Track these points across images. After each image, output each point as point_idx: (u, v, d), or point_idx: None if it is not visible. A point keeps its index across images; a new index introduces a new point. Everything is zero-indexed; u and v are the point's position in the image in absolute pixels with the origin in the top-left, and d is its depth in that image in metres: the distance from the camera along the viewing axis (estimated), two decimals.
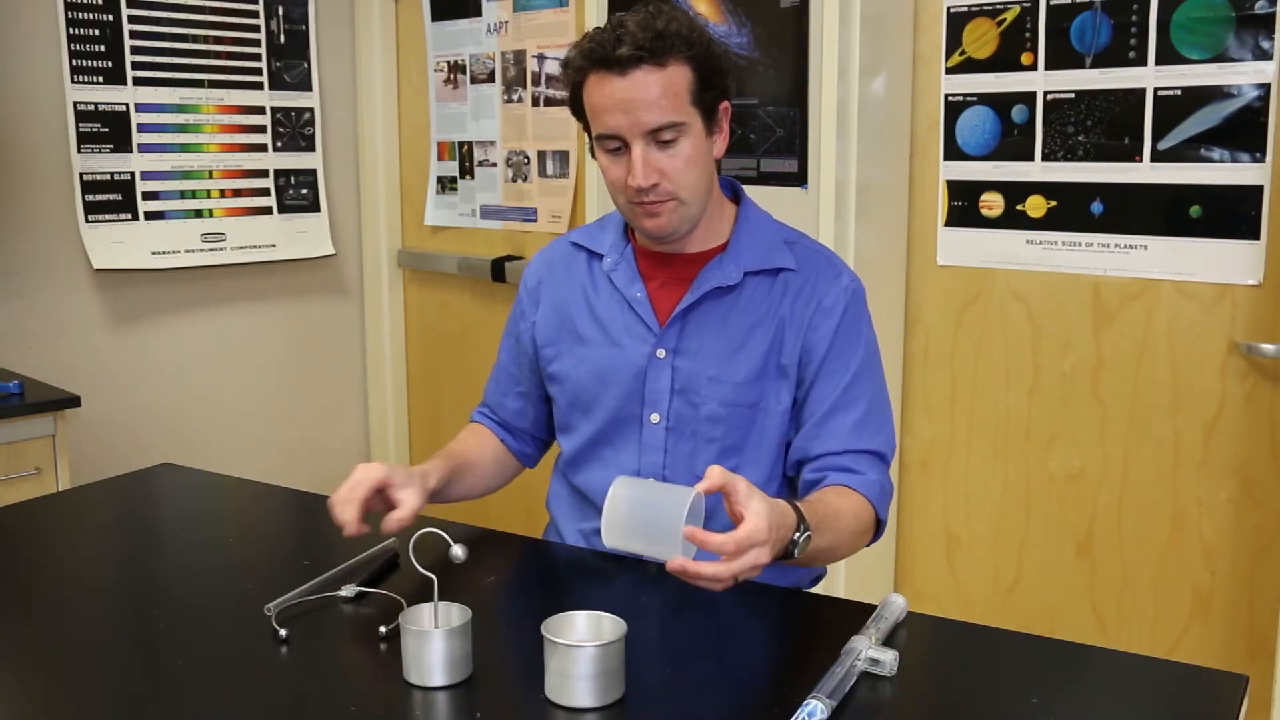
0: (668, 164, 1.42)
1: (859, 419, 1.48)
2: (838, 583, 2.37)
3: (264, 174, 3.17)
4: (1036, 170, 2.32)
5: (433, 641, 1.11)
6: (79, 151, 2.80)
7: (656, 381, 1.51)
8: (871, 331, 1.54)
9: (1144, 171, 2.20)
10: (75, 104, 2.79)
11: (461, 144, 3.22)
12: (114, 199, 2.87)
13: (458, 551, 1.20)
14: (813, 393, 1.49)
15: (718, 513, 1.51)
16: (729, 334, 1.50)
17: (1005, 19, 2.32)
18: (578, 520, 1.61)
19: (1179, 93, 2.14)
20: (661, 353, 1.51)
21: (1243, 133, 2.09)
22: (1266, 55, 2.05)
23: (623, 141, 1.42)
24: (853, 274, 1.54)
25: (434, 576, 1.16)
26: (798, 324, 1.49)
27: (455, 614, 1.15)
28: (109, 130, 2.85)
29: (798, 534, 1.24)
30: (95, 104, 2.83)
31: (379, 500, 1.40)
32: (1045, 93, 2.29)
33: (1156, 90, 2.16)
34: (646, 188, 1.42)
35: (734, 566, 1.14)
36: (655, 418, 1.51)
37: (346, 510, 1.36)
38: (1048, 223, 2.33)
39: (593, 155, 1.49)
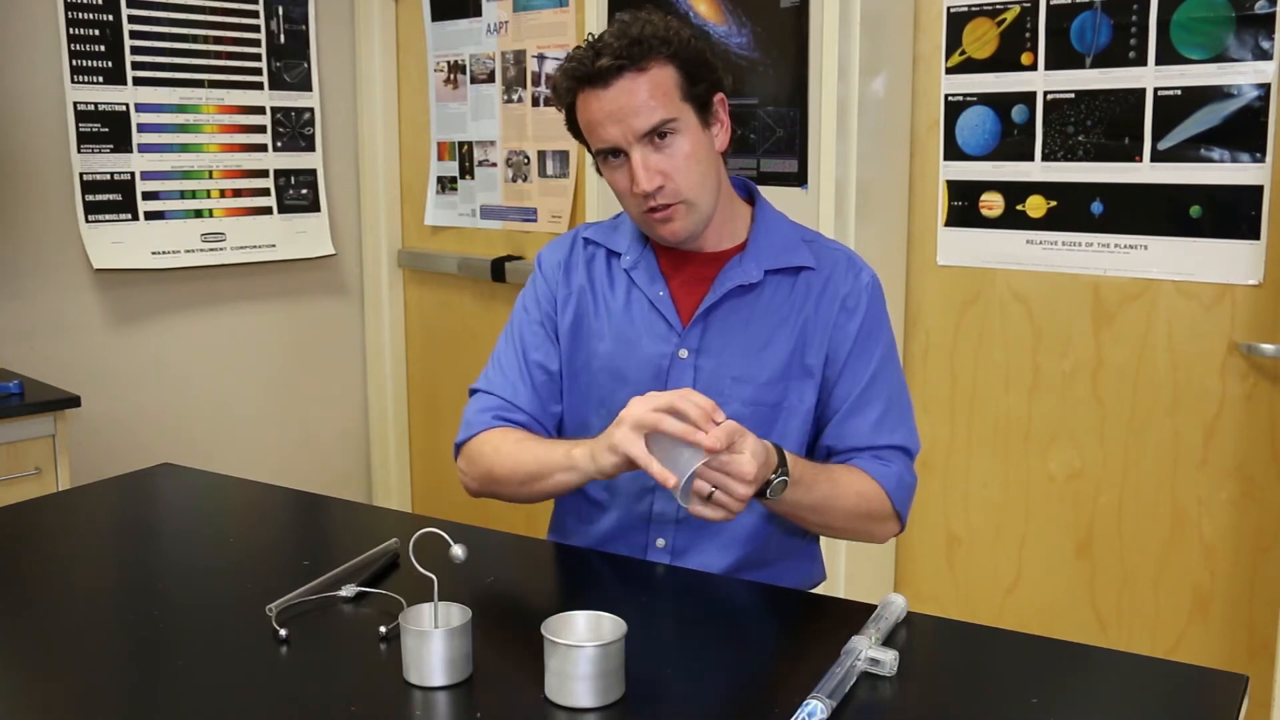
0: (668, 164, 1.42)
1: (879, 416, 1.51)
2: (838, 583, 2.37)
3: (264, 174, 3.17)
4: (1036, 170, 2.32)
5: (433, 641, 1.11)
6: (79, 151, 2.80)
7: (679, 382, 1.50)
8: (890, 327, 1.56)
9: (1144, 171, 2.20)
10: (75, 104, 2.79)
11: (461, 144, 3.22)
12: (114, 199, 2.87)
13: (458, 551, 1.20)
14: (836, 391, 1.51)
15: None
16: (752, 334, 1.50)
17: (1005, 19, 2.32)
18: (582, 525, 1.60)
19: (1179, 93, 2.14)
20: (684, 353, 1.50)
21: (1243, 133, 2.09)
22: (1266, 55, 2.05)
23: (621, 152, 1.43)
24: (871, 270, 1.55)
25: (434, 576, 1.16)
26: (823, 324, 1.50)
27: (455, 614, 1.15)
28: (109, 130, 2.85)
29: (774, 475, 1.32)
30: (95, 104, 2.83)
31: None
32: (1045, 93, 2.29)
33: (1156, 90, 2.16)
34: (652, 191, 1.42)
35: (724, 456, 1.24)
36: None
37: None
38: (1048, 223, 2.33)
39: (599, 173, 1.50)
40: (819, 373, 1.51)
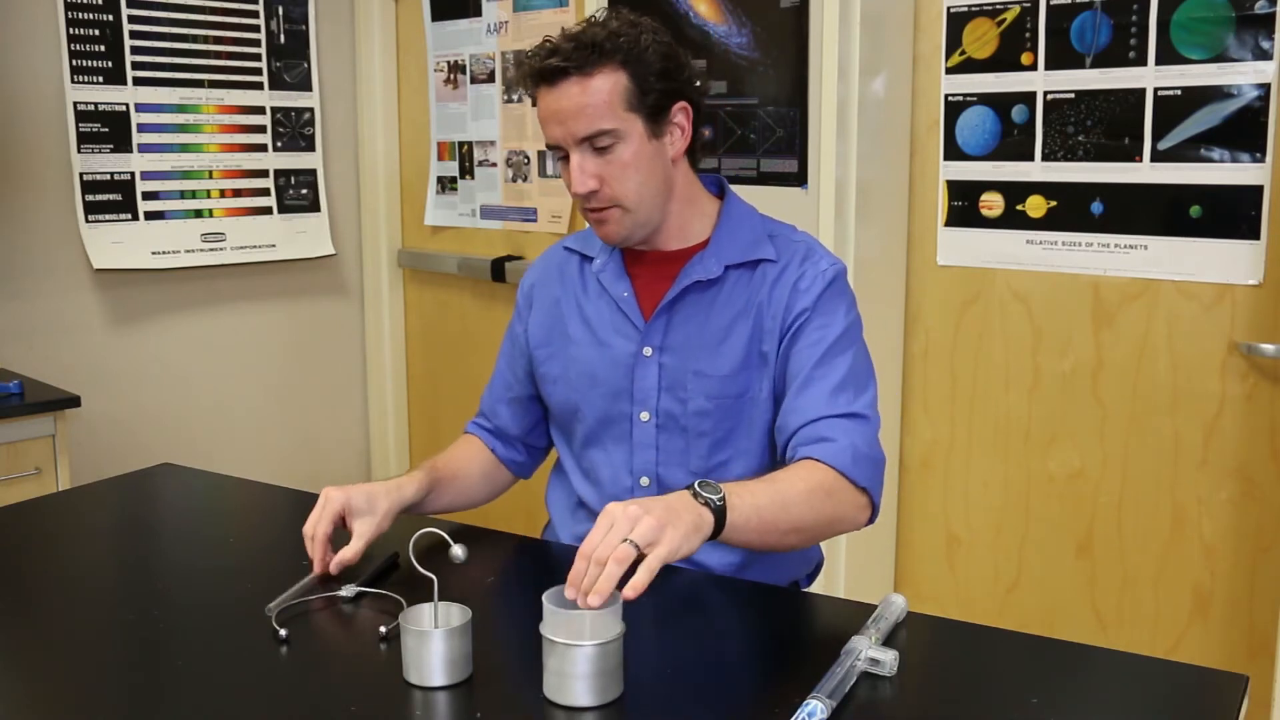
0: (605, 170, 1.44)
1: (837, 384, 1.42)
2: (838, 583, 2.37)
3: (264, 174, 3.17)
4: (1036, 170, 2.32)
5: (433, 641, 1.11)
6: (79, 151, 2.80)
7: (644, 379, 1.51)
8: (854, 311, 1.50)
9: (1144, 171, 2.20)
10: (75, 104, 2.79)
11: (461, 144, 3.22)
12: (114, 199, 2.87)
13: (458, 551, 1.20)
14: (790, 365, 1.46)
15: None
16: (711, 327, 1.50)
17: (1005, 19, 2.32)
18: (572, 525, 1.62)
19: (1179, 93, 2.14)
20: (648, 350, 1.51)
21: (1243, 133, 2.08)
22: (1266, 55, 2.05)
23: (565, 150, 1.45)
24: (833, 258, 1.51)
25: (434, 576, 1.16)
26: (775, 309, 1.48)
27: (455, 614, 1.15)
28: (109, 130, 2.85)
29: (704, 492, 1.20)
30: (95, 104, 2.83)
31: (341, 526, 1.44)
32: (1045, 93, 2.29)
33: (1156, 90, 2.16)
34: (584, 194, 1.45)
35: (592, 542, 1.10)
36: (645, 416, 1.52)
37: (315, 550, 1.40)
38: (1048, 223, 2.33)
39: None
40: (772, 358, 1.48)
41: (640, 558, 1.11)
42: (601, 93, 1.41)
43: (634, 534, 1.11)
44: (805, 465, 1.36)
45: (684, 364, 1.50)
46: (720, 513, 1.21)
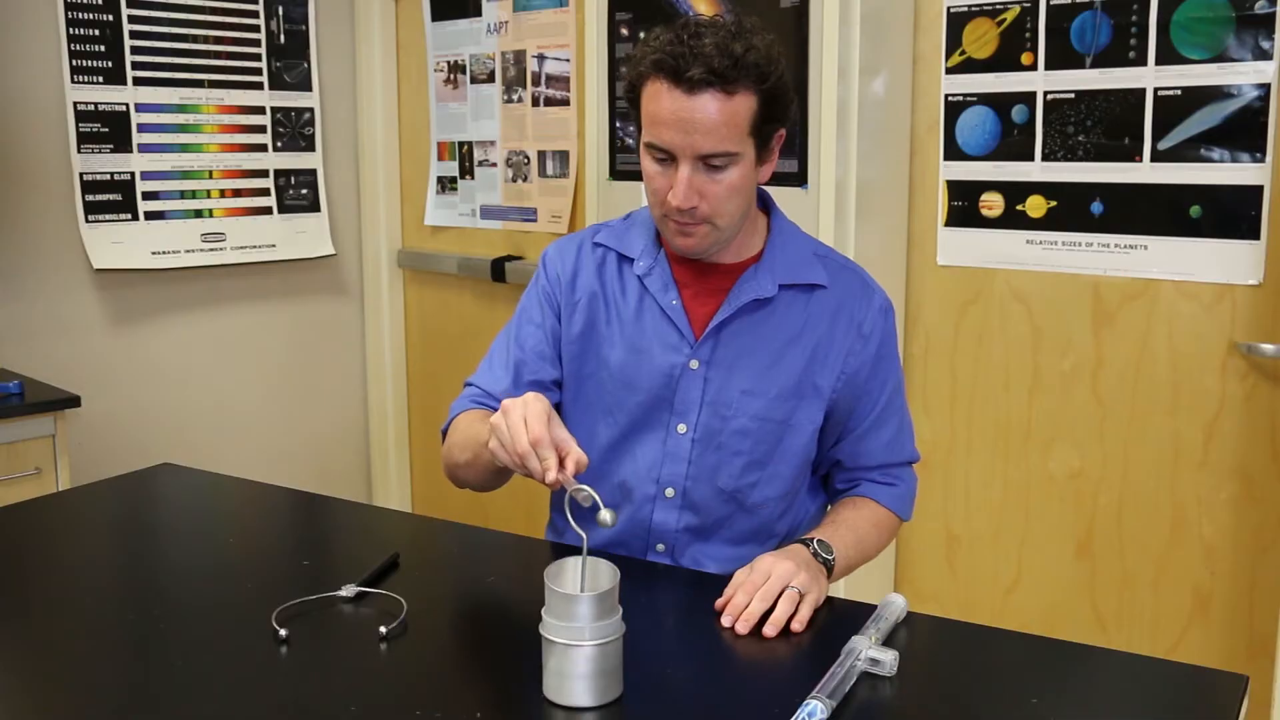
0: (711, 189, 1.39)
1: (892, 436, 1.57)
2: (837, 583, 2.36)
3: (264, 174, 3.17)
4: (1036, 170, 2.32)
5: (581, 605, 1.07)
6: (79, 151, 2.80)
7: (688, 392, 1.49)
8: (897, 347, 1.59)
9: (1144, 171, 2.20)
10: (75, 104, 2.79)
11: (461, 144, 3.22)
12: (114, 199, 2.87)
13: (605, 516, 1.18)
14: (855, 412, 1.55)
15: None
16: (764, 349, 1.49)
17: (1005, 19, 2.32)
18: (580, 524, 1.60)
19: (1179, 93, 2.14)
20: (695, 364, 1.49)
21: (1243, 133, 2.09)
22: (1266, 55, 2.05)
23: (670, 156, 1.39)
24: (883, 292, 1.56)
25: (584, 534, 1.16)
26: (839, 349, 1.50)
27: (604, 571, 1.12)
28: (109, 130, 2.85)
29: (812, 546, 1.40)
30: (95, 104, 2.83)
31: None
32: (1045, 93, 2.29)
33: (1156, 90, 2.16)
34: (686, 209, 1.40)
35: (755, 583, 1.29)
36: (682, 428, 1.50)
37: (548, 456, 1.22)
38: (1048, 223, 2.33)
39: (637, 150, 1.47)
40: (827, 394, 1.50)
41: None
42: (737, 115, 1.36)
43: (795, 582, 1.30)
44: (870, 506, 1.57)
45: (731, 381, 1.49)
46: (829, 568, 1.41)
